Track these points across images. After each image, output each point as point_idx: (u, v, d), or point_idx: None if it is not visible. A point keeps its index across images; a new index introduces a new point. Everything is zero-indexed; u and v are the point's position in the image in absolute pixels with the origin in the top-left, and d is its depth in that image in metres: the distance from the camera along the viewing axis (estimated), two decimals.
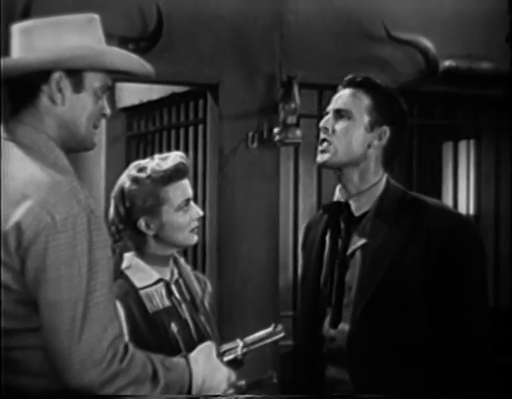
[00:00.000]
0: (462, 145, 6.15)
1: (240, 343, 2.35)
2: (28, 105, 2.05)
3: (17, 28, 2.09)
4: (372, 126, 2.60)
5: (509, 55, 4.90)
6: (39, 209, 1.91)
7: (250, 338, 2.37)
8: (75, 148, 2.10)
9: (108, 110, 2.13)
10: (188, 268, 2.77)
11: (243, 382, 2.34)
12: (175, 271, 2.72)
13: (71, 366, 1.90)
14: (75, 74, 2.05)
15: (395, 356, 2.51)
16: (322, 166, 2.66)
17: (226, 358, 2.30)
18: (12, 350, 1.95)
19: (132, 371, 1.96)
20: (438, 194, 5.97)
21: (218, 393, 2.19)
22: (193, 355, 2.20)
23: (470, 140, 6.16)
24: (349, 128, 2.59)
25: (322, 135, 2.62)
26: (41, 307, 1.92)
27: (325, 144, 2.60)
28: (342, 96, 2.63)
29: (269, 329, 2.40)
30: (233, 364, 2.30)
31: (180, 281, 2.72)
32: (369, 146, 2.60)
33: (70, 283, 1.90)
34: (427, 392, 2.52)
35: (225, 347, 2.34)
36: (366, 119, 2.60)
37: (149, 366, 2.01)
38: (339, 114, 2.60)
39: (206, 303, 2.76)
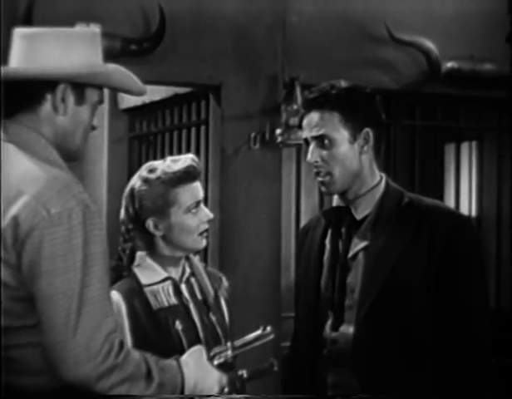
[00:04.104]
0: (464, 146, 6.15)
1: (230, 346, 2.35)
2: (28, 110, 2.08)
3: (20, 33, 2.12)
4: (354, 136, 2.57)
5: (510, 55, 4.90)
6: (34, 204, 1.93)
7: (239, 341, 2.38)
8: (65, 157, 2.12)
9: (97, 123, 2.19)
10: (201, 267, 2.78)
11: (243, 372, 2.35)
12: (187, 270, 2.72)
13: (65, 360, 1.90)
14: (78, 87, 2.10)
15: (399, 356, 2.52)
16: (328, 195, 2.67)
17: (216, 361, 2.30)
18: (11, 349, 1.96)
19: (127, 367, 1.96)
20: (440, 195, 5.98)
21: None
22: (183, 358, 2.19)
23: (472, 141, 6.16)
24: (335, 151, 2.56)
25: (314, 169, 2.60)
26: (36, 300, 1.93)
27: (321, 175, 2.59)
28: (312, 123, 2.59)
29: (258, 332, 2.40)
30: (223, 367, 2.30)
31: (192, 280, 2.72)
32: (360, 154, 2.59)
33: (65, 277, 1.91)
34: (430, 392, 2.52)
35: (215, 350, 2.34)
36: (345, 133, 2.56)
37: (143, 364, 2.01)
38: (319, 141, 2.57)
39: (222, 300, 2.77)
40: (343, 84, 2.61)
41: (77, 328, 1.90)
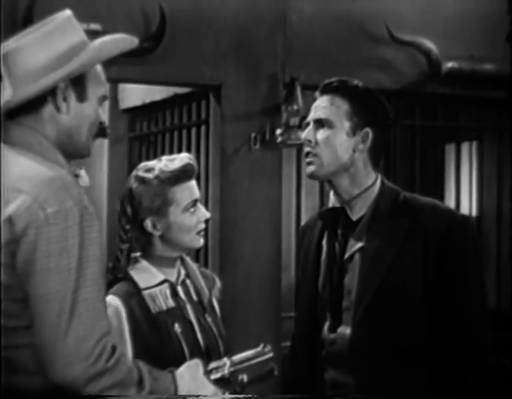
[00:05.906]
0: (464, 146, 6.15)
1: (228, 362, 2.33)
2: (30, 111, 2.06)
3: (3, 53, 2.08)
4: (354, 131, 2.58)
5: (510, 55, 4.90)
6: (31, 202, 1.92)
7: (238, 357, 2.36)
8: (72, 155, 2.12)
9: (103, 119, 2.17)
10: (195, 268, 2.78)
11: (243, 376, 2.34)
12: (182, 272, 2.73)
13: (56, 361, 1.88)
14: (79, 84, 2.09)
15: (396, 357, 2.52)
16: (311, 178, 2.65)
17: (213, 376, 2.28)
18: (6, 349, 1.94)
19: (118, 372, 1.94)
20: (440, 195, 5.97)
21: None
22: (179, 371, 2.18)
23: (472, 141, 6.16)
24: (331, 137, 2.57)
25: (306, 148, 2.61)
26: (29, 299, 1.91)
27: (310, 156, 2.59)
28: (320, 105, 2.61)
29: (258, 349, 2.39)
30: (220, 382, 2.28)
31: (188, 282, 2.73)
32: (354, 151, 2.58)
33: (59, 277, 1.90)
34: (428, 393, 2.52)
35: (213, 365, 2.32)
36: (346, 125, 2.57)
37: (135, 372, 1.99)
38: (319, 123, 2.59)
39: (214, 301, 2.78)
40: (362, 84, 2.65)
41: (69, 329, 1.89)
